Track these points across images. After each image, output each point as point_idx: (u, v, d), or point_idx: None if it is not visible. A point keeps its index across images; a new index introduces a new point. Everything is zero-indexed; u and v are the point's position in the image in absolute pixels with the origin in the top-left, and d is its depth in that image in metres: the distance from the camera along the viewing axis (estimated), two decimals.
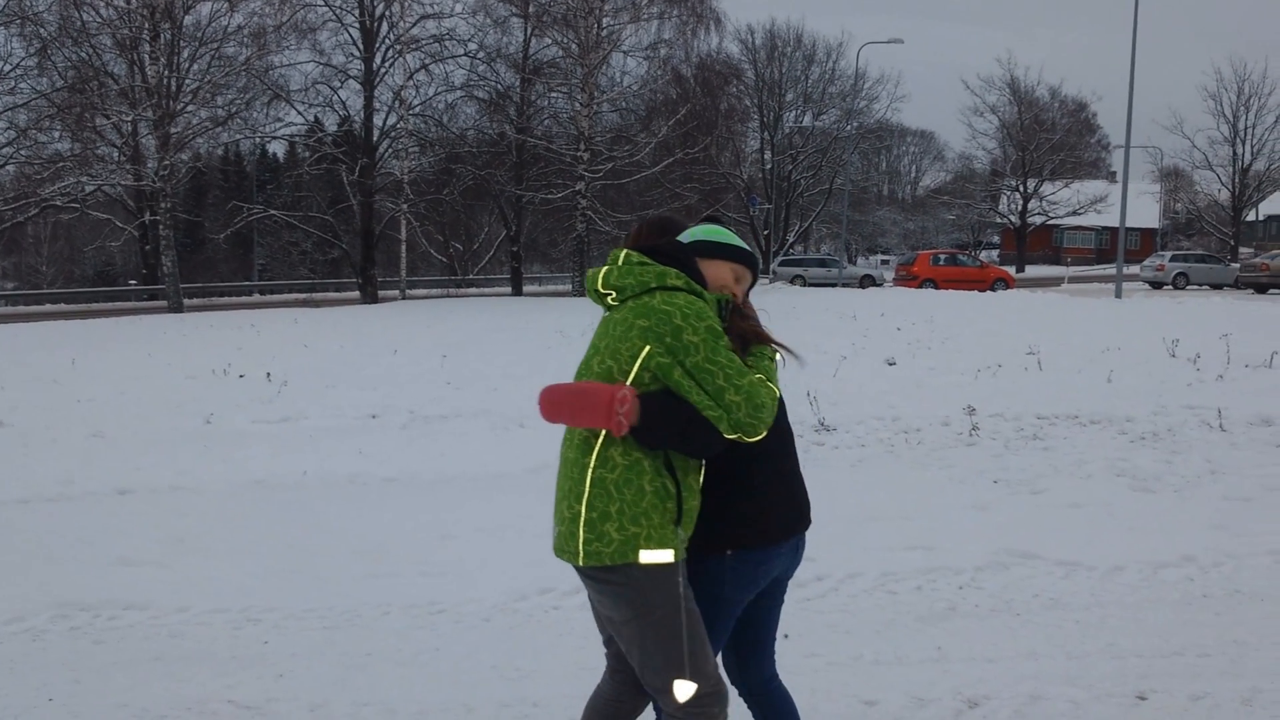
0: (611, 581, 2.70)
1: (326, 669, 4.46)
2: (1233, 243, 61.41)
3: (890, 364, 13.53)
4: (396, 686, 4.26)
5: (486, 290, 43.75)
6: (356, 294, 35.34)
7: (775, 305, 23.74)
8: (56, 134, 32.13)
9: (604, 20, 34.11)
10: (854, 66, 50.74)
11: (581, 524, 2.70)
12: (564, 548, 2.76)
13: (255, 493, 7.80)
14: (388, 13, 33.53)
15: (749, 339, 2.88)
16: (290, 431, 10.15)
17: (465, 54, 34.05)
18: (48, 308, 39.04)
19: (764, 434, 2.72)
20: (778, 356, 2.97)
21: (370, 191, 33.52)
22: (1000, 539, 6.16)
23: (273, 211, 35.91)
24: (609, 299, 2.81)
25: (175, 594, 5.36)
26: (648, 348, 2.67)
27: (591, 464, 2.71)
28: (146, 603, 5.24)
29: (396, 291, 39.13)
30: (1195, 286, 40.98)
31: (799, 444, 9.48)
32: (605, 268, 2.83)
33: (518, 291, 37.50)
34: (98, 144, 32.31)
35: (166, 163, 30.75)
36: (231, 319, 25.39)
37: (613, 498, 2.67)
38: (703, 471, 2.84)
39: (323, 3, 32.56)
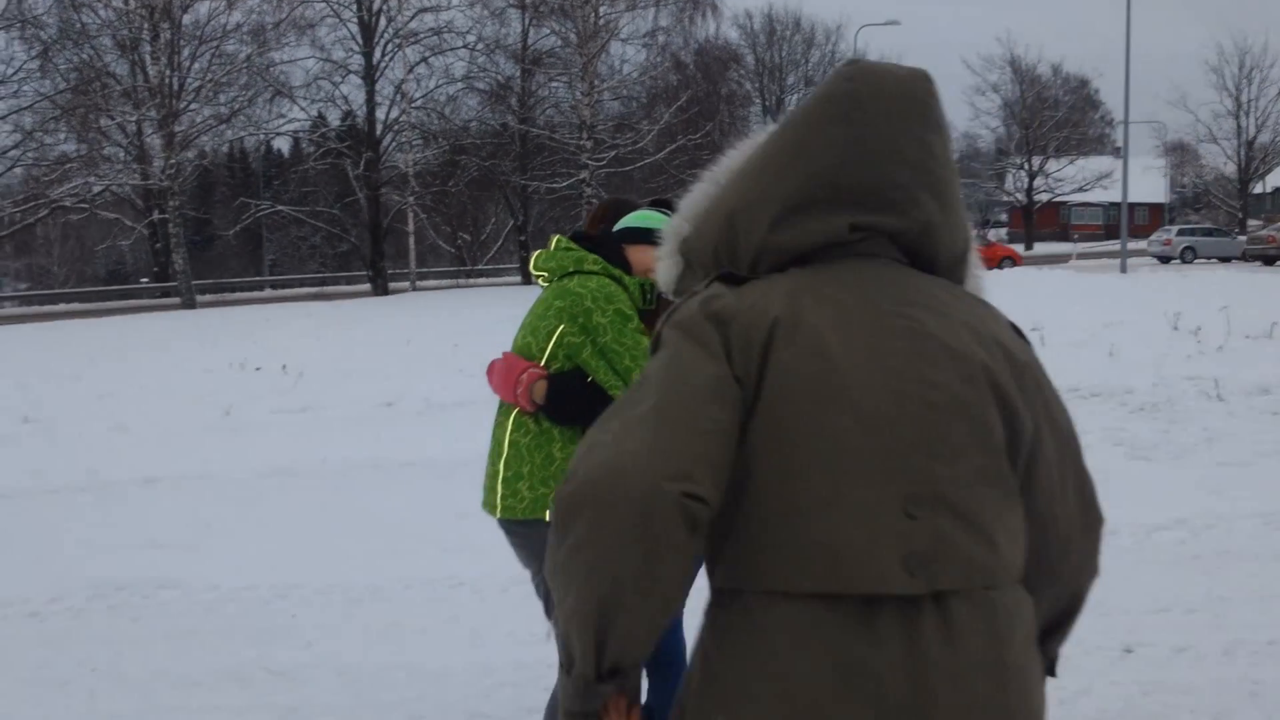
0: (522, 534, 2.96)
1: (352, 638, 4.70)
2: (1241, 215, 61.25)
3: None
4: (419, 652, 4.50)
5: (496, 280, 43.85)
6: (367, 287, 35.58)
7: None
8: (62, 136, 32.43)
9: (601, 9, 34.22)
10: (853, 49, 50.62)
11: (500, 481, 2.96)
12: (487, 501, 3.03)
13: (277, 479, 8.03)
14: (385, 7, 33.71)
15: None
16: (308, 421, 10.39)
17: (464, 46, 34.26)
18: (61, 308, 39.26)
19: None
20: None
21: (376, 185, 33.73)
22: None
23: (280, 207, 36.21)
24: (540, 280, 3.09)
25: (205, 573, 5.60)
26: (561, 326, 2.91)
27: (509, 428, 2.98)
28: (178, 582, 5.48)
29: (407, 283, 39.35)
30: (1203, 260, 40.89)
31: None
32: (541, 250, 3.10)
33: (527, 280, 37.64)
34: (103, 144, 32.58)
35: (173, 161, 31.01)
36: (244, 314, 25.66)
37: (525, 460, 2.92)
38: None
39: None
